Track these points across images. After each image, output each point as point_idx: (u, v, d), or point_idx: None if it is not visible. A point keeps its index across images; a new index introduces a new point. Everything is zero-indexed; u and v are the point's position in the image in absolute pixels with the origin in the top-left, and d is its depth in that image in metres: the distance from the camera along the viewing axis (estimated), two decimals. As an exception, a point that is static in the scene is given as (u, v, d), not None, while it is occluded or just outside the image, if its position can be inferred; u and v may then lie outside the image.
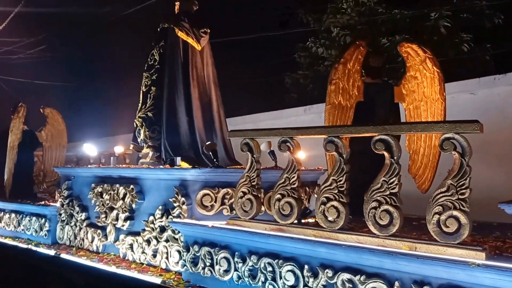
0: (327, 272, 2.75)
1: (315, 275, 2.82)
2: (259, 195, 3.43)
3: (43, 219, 5.59)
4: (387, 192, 2.67)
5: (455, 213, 2.40)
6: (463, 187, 2.40)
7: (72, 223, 5.24)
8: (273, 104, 10.03)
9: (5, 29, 12.33)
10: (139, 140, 4.97)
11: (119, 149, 5.96)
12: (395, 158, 2.67)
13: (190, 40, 5.15)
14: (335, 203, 2.91)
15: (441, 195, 2.46)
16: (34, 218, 5.73)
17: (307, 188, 4.46)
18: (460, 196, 2.40)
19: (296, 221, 3.18)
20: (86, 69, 14.91)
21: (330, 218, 2.93)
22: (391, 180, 2.66)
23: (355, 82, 4.15)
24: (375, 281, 2.54)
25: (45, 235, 5.52)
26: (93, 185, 4.96)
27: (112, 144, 6.54)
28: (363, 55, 4.14)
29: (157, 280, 3.60)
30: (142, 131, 4.90)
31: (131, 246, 4.39)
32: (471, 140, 2.42)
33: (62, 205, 5.42)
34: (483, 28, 8.99)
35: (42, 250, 5.08)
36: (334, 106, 4.09)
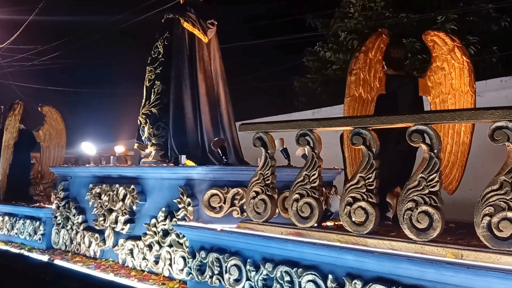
0: (355, 283, 2.39)
1: (341, 286, 2.46)
2: (274, 195, 3.08)
3: (38, 222, 5.25)
4: (426, 191, 2.31)
5: (510, 214, 2.05)
6: (520, 185, 2.05)
7: (68, 227, 4.89)
8: (281, 108, 10.09)
9: (19, 37, 12.49)
10: (143, 138, 4.63)
11: (119, 149, 5.65)
12: (435, 151, 2.32)
13: (196, 32, 4.84)
14: (363, 203, 2.56)
15: (492, 193, 2.11)
16: (28, 221, 5.39)
17: (323, 189, 4.10)
18: (516, 195, 2.05)
19: (316, 225, 2.83)
20: (98, 75, 14.91)
21: (357, 221, 2.58)
22: (431, 177, 2.30)
23: (376, 73, 3.80)
24: (414, 294, 2.18)
25: (40, 239, 5.17)
26: (91, 185, 4.62)
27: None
28: (385, 44, 3.81)
29: (159, 290, 3.24)
30: (146, 128, 4.57)
31: (131, 251, 4.04)
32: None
33: (58, 207, 5.08)
34: (490, 31, 9.06)
35: (35, 255, 4.73)
36: (354, 99, 3.74)
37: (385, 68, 3.90)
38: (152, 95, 4.64)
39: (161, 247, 3.75)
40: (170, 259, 3.65)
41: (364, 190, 2.57)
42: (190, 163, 4.12)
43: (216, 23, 5.04)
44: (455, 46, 3.65)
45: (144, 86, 4.81)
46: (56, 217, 5.09)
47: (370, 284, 2.34)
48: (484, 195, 2.14)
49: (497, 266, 2.00)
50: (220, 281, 3.08)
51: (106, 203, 4.38)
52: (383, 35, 3.80)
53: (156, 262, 3.78)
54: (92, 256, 4.48)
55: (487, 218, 2.11)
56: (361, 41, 8.15)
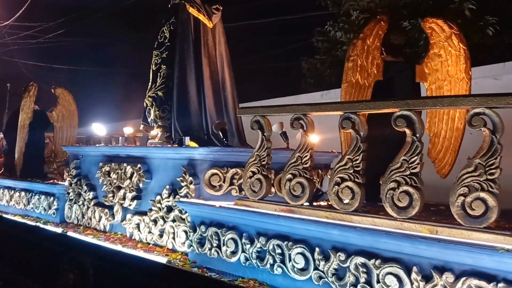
0: (339, 255, 2.59)
1: (326, 258, 2.66)
2: (269, 175, 3.27)
3: (52, 198, 5.55)
4: (407, 172, 2.48)
5: (483, 195, 2.20)
6: (492, 167, 2.19)
7: (80, 202, 5.17)
8: (289, 89, 9.88)
9: (24, 14, 12.41)
10: (149, 120, 4.84)
11: (128, 130, 5.86)
12: (417, 135, 2.47)
13: (201, 17, 4.97)
14: (350, 183, 2.73)
15: (467, 175, 2.26)
16: (43, 196, 5.69)
17: (320, 171, 4.28)
18: (488, 177, 2.20)
19: (307, 203, 3.02)
20: (104, 54, 14.93)
21: (344, 200, 2.76)
22: (412, 159, 2.46)
23: (374, 59, 3.92)
24: (392, 266, 2.36)
25: (54, 213, 5.48)
26: (100, 164, 4.87)
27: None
28: (384, 31, 3.91)
29: (163, 260, 3.49)
30: (152, 111, 4.77)
31: (138, 225, 4.29)
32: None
33: (70, 184, 5.36)
34: (510, 11, 8.54)
35: (50, 228, 5.04)
36: (351, 85, 3.87)
37: (384, 54, 4.00)
38: (158, 79, 4.81)
39: (165, 222, 3.99)
40: (173, 233, 3.89)
41: (352, 171, 2.74)
42: (193, 144, 4.32)
43: (221, 8, 5.17)
44: (453, 33, 3.72)
45: (151, 70, 4.99)
46: (68, 193, 5.38)
47: (353, 256, 2.53)
48: (460, 176, 2.29)
49: (467, 241, 2.16)
50: (218, 253, 3.31)
51: (115, 181, 4.62)
52: (382, 22, 3.90)
53: (161, 236, 4.03)
54: (102, 230, 4.76)
55: (462, 198, 2.27)
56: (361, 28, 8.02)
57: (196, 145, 4.27)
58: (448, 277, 2.16)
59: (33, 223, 5.31)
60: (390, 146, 3.58)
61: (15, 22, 13.16)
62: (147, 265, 3.49)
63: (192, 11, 4.94)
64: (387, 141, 3.47)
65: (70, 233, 4.62)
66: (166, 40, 4.99)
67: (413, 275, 2.28)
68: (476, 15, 8.25)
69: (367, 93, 3.94)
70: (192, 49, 4.87)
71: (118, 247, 3.99)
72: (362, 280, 2.48)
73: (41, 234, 4.82)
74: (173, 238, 3.90)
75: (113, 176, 4.65)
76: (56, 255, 4.33)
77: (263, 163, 3.27)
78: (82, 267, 4.07)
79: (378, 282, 2.41)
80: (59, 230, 4.85)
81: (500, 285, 2.01)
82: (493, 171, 2.18)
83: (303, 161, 3.01)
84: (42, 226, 5.11)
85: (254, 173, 3.30)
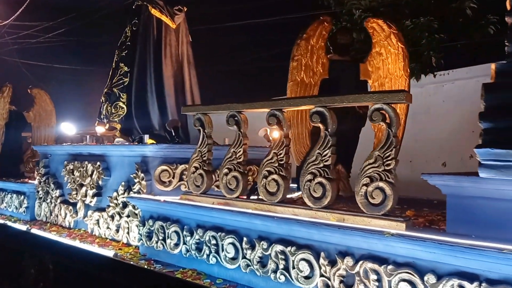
0: (262, 244, 2.76)
1: (252, 247, 2.83)
2: (210, 170, 3.43)
3: (22, 196, 5.72)
4: (321, 165, 2.64)
5: (381, 184, 2.36)
6: (389, 158, 2.35)
7: (48, 200, 5.34)
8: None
9: (24, 13, 12.39)
10: (102, 116, 5.00)
11: (99, 129, 6.02)
12: (329, 130, 2.63)
13: (164, 18, 5.14)
14: (275, 176, 2.90)
15: (369, 166, 2.42)
16: (14, 195, 5.86)
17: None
18: (386, 167, 2.36)
19: (246, 196, 3.19)
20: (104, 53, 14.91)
21: (270, 191, 2.92)
22: (325, 153, 2.62)
23: (319, 58, 4.07)
24: (304, 252, 2.53)
25: (24, 211, 5.65)
26: (65, 162, 5.04)
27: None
28: (328, 31, 4.06)
29: (111, 254, 3.65)
30: (105, 107, 4.92)
31: (98, 221, 4.46)
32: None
33: (40, 182, 5.53)
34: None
35: (16, 226, 5.20)
36: (296, 83, 4.02)
37: (332, 53, 4.16)
38: (115, 76, 4.96)
39: (121, 217, 4.16)
40: (128, 228, 4.06)
41: (277, 165, 2.91)
42: (152, 142, 4.48)
43: (185, 9, 5.33)
44: (391, 32, 3.87)
45: (111, 68, 5.14)
46: (38, 191, 5.55)
47: (273, 244, 2.70)
48: (363, 167, 2.45)
49: (363, 227, 2.33)
50: (163, 246, 3.48)
51: (77, 179, 4.79)
52: (325, 23, 4.05)
53: (117, 231, 4.19)
54: (67, 226, 4.93)
55: (364, 187, 2.44)
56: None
57: (154, 143, 4.43)
58: (349, 261, 2.33)
59: (1, 221, 5.48)
60: (345, 140, 3.78)
61: (13, 21, 13.14)
62: (97, 259, 3.66)
63: (154, 12, 5.09)
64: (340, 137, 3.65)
65: (34, 230, 4.78)
66: (127, 40, 5.14)
67: (321, 260, 2.45)
68: (477, 14, 8.32)
69: (314, 91, 4.09)
70: (153, 49, 5.03)
71: (76, 243, 4.16)
72: (281, 266, 2.65)
73: (7, 232, 4.98)
74: (128, 232, 4.07)
75: (76, 174, 4.82)
76: (19, 252, 4.49)
77: (204, 158, 3.43)
78: (43, 263, 4.23)
79: (293, 268, 2.58)
80: (25, 227, 5.02)
81: (389, 267, 2.18)
82: (389, 162, 2.35)
83: (237, 155, 3.18)
84: (9, 224, 5.27)
85: (196, 168, 3.46)
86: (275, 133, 3.51)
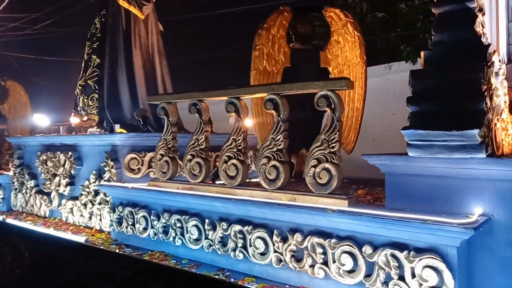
0: (223, 224, 2.93)
1: (214, 228, 3.01)
2: (175, 157, 3.57)
3: (-2, 188, 5.77)
4: (275, 149, 2.81)
5: (327, 165, 2.55)
6: (333, 141, 2.54)
7: (24, 191, 5.41)
8: None
9: (11, 5, 12.11)
10: (78, 108, 5.07)
11: (74, 120, 6.07)
12: (281, 116, 2.80)
13: (132, 9, 5.17)
14: (234, 161, 3.06)
15: (316, 149, 2.60)
16: (-10, 187, 5.90)
17: (251, 152, 4.64)
18: (331, 150, 2.54)
19: (211, 181, 3.35)
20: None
21: (230, 175, 3.09)
22: (278, 137, 2.79)
23: (280, 47, 4.20)
24: (259, 231, 2.72)
25: (0, 202, 5.71)
26: (39, 153, 5.10)
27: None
28: (288, 21, 4.19)
29: (82, 239, 3.79)
30: (81, 99, 4.99)
31: (72, 210, 4.58)
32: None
33: (15, 173, 5.59)
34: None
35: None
36: (259, 72, 4.16)
37: (293, 42, 4.30)
38: (88, 69, 5.03)
39: (93, 205, 4.28)
40: (100, 215, 4.19)
41: (235, 150, 3.07)
42: (122, 131, 4.58)
43: (153, 0, 5.38)
44: (348, 21, 4.03)
45: (83, 60, 5.19)
46: (13, 182, 5.60)
47: (232, 224, 2.88)
48: (311, 150, 2.63)
49: (310, 205, 2.52)
50: (133, 230, 3.63)
51: (51, 169, 4.88)
52: (285, 13, 4.17)
53: (90, 218, 4.32)
54: (42, 216, 5.03)
55: (313, 169, 2.62)
56: (370, 5, 8.03)
57: (125, 132, 4.53)
58: (298, 237, 2.52)
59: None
60: (306, 126, 3.95)
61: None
62: (70, 245, 3.79)
63: (122, 3, 5.12)
64: (303, 123, 3.82)
65: (10, 220, 4.87)
66: (97, 31, 5.18)
67: (274, 238, 2.64)
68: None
69: (276, 79, 4.23)
70: (123, 40, 5.08)
71: (50, 230, 4.28)
72: (240, 244, 2.83)
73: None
74: (100, 219, 4.20)
75: (50, 164, 4.90)
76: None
77: (169, 146, 3.56)
78: (18, 250, 4.34)
79: (250, 245, 2.77)
80: (1, 218, 5.10)
81: (333, 240, 2.38)
82: (334, 144, 2.53)
83: (199, 142, 3.32)
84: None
85: (162, 155, 3.59)
86: (248, 121, 3.65)
